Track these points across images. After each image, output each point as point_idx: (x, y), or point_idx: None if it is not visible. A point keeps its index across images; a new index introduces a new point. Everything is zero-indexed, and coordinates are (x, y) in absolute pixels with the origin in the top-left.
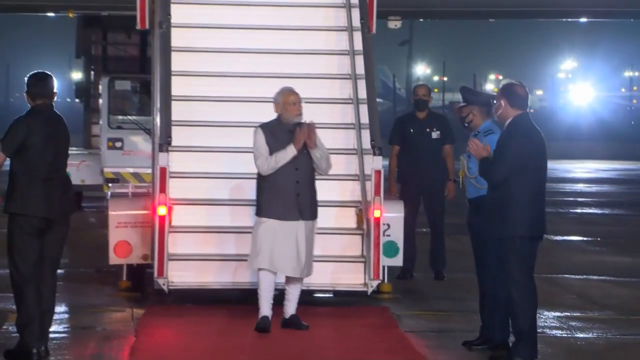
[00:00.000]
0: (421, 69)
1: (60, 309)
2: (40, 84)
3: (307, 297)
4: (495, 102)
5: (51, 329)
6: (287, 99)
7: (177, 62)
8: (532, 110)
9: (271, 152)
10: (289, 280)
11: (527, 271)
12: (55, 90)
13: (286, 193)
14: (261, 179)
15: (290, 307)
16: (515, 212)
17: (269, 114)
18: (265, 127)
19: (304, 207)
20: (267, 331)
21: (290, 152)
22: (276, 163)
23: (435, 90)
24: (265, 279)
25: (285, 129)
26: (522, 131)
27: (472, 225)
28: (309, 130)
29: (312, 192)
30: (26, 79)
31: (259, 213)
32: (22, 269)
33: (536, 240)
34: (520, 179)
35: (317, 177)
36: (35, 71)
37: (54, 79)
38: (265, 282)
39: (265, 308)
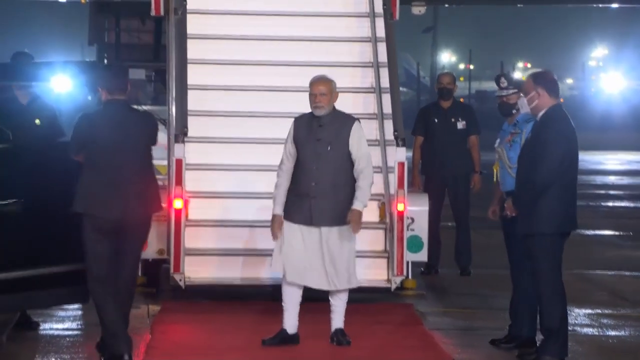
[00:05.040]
0: (446, 57)
1: (73, 305)
2: (111, 76)
3: (327, 294)
4: (526, 92)
5: (64, 326)
6: (311, 89)
7: (193, 49)
8: (562, 100)
9: (299, 147)
10: (330, 291)
11: (557, 267)
12: (128, 83)
13: (301, 194)
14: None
15: (336, 320)
16: (549, 208)
17: (289, 103)
18: (300, 120)
19: (319, 211)
20: (282, 344)
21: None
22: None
23: (461, 78)
24: (286, 289)
25: (318, 122)
26: (565, 126)
27: (506, 218)
28: None
29: (336, 196)
30: (99, 71)
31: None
32: (90, 272)
33: (566, 236)
34: (559, 175)
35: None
36: (109, 64)
37: (128, 71)
38: (286, 293)
39: (288, 323)
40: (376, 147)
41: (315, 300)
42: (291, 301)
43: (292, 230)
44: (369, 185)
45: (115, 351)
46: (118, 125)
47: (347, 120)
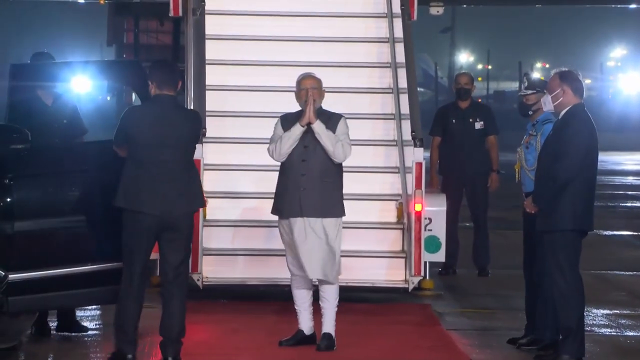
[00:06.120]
0: (464, 57)
1: (91, 305)
2: (161, 70)
3: (346, 294)
4: (551, 89)
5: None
6: (301, 85)
7: (211, 50)
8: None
9: None
10: (320, 290)
11: (576, 265)
12: (178, 80)
13: (290, 187)
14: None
15: (325, 324)
16: (570, 205)
17: None
18: (286, 118)
19: (308, 202)
20: (299, 345)
21: (295, 130)
22: (282, 145)
23: (479, 79)
24: (295, 291)
25: None
26: (587, 124)
27: (527, 219)
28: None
29: (325, 187)
30: (149, 66)
31: (272, 210)
32: (126, 266)
33: (584, 235)
34: (580, 172)
35: (352, 170)
36: (160, 58)
37: (178, 68)
38: (296, 294)
39: (304, 324)
40: (394, 147)
41: None
42: (302, 303)
43: (283, 227)
44: (337, 146)
45: (119, 347)
46: (162, 120)
47: (334, 115)
